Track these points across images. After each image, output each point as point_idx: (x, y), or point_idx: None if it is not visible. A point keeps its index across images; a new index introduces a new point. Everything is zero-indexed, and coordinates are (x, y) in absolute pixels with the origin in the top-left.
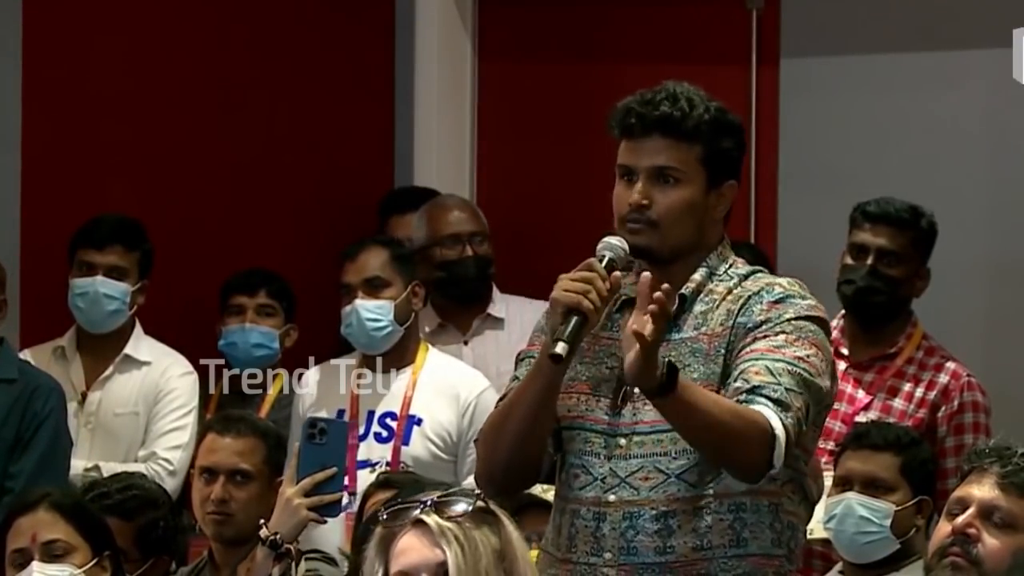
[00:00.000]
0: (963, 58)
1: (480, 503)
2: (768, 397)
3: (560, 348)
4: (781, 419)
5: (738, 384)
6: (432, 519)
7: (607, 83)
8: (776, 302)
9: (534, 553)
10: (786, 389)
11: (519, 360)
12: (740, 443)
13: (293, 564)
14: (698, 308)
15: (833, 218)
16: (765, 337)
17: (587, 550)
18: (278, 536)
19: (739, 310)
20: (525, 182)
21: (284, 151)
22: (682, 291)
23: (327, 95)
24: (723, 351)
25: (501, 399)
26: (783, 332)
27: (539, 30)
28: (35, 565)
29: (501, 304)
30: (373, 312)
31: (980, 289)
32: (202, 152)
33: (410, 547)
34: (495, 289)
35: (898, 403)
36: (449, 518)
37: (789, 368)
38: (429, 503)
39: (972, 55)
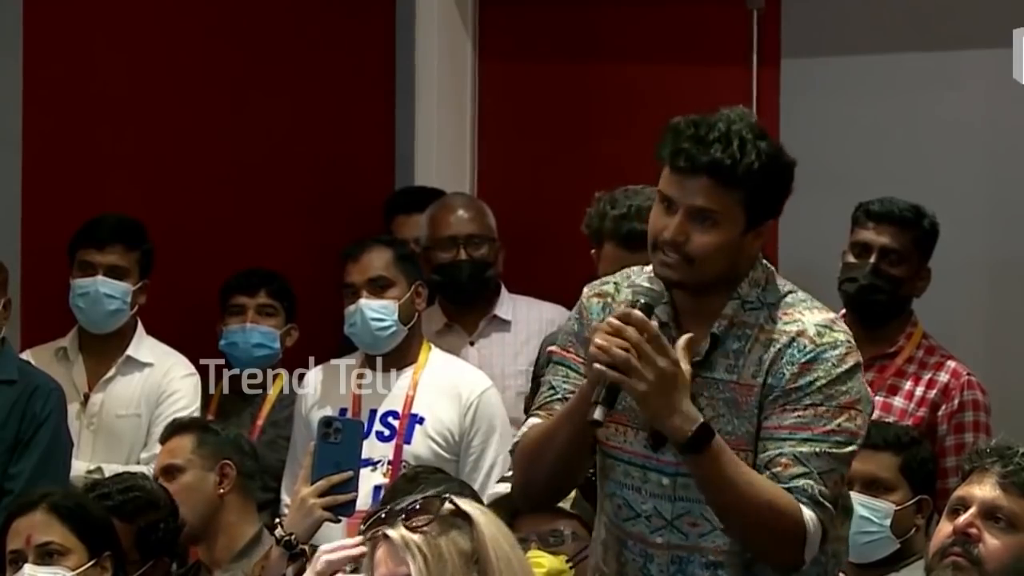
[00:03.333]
0: (963, 58)
1: (449, 506)
2: (803, 496)
3: (599, 414)
4: (817, 515)
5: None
6: (396, 532)
7: (607, 83)
8: (807, 363)
9: (536, 554)
10: (819, 474)
11: (552, 361)
12: (773, 536)
13: (307, 564)
14: (731, 345)
15: (834, 218)
16: (795, 410)
17: None
18: (293, 536)
19: (769, 366)
20: (525, 182)
21: (285, 151)
22: (713, 331)
23: (328, 95)
24: (756, 410)
25: (537, 408)
26: (812, 405)
27: (539, 30)
28: (27, 568)
29: (508, 305)
30: (378, 312)
31: (980, 289)
32: (202, 152)
33: (380, 562)
34: (504, 290)
35: (898, 401)
36: (414, 529)
37: (817, 450)
38: (396, 515)
39: (972, 55)
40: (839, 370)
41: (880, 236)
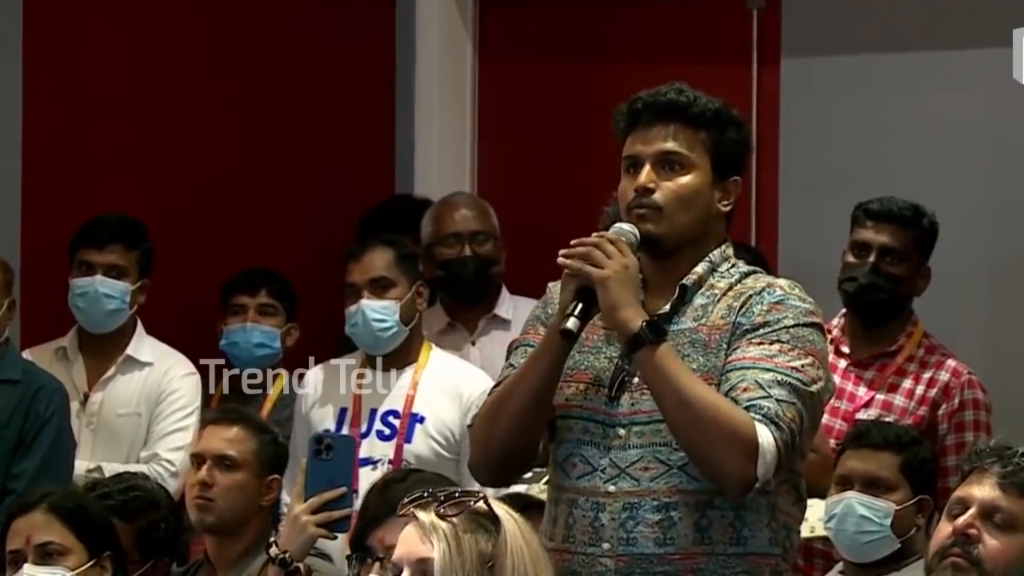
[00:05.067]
0: (963, 58)
1: (482, 505)
2: (758, 413)
3: (572, 324)
4: (771, 432)
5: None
6: (426, 515)
7: (607, 83)
8: (776, 303)
9: None
10: (777, 401)
11: (513, 349)
12: (722, 440)
13: None
14: (699, 301)
15: (834, 218)
16: (760, 344)
17: (585, 540)
18: (287, 555)
19: (740, 308)
20: (525, 182)
21: (285, 151)
22: (683, 282)
23: (327, 95)
24: (724, 345)
25: (495, 386)
26: (779, 341)
27: (539, 30)
28: (27, 568)
29: (508, 305)
30: (379, 312)
31: (980, 289)
32: (202, 152)
33: (403, 539)
34: (504, 290)
35: (899, 400)
36: (444, 516)
37: (779, 378)
38: (431, 498)
39: (972, 55)
40: (807, 319)
41: (879, 235)
